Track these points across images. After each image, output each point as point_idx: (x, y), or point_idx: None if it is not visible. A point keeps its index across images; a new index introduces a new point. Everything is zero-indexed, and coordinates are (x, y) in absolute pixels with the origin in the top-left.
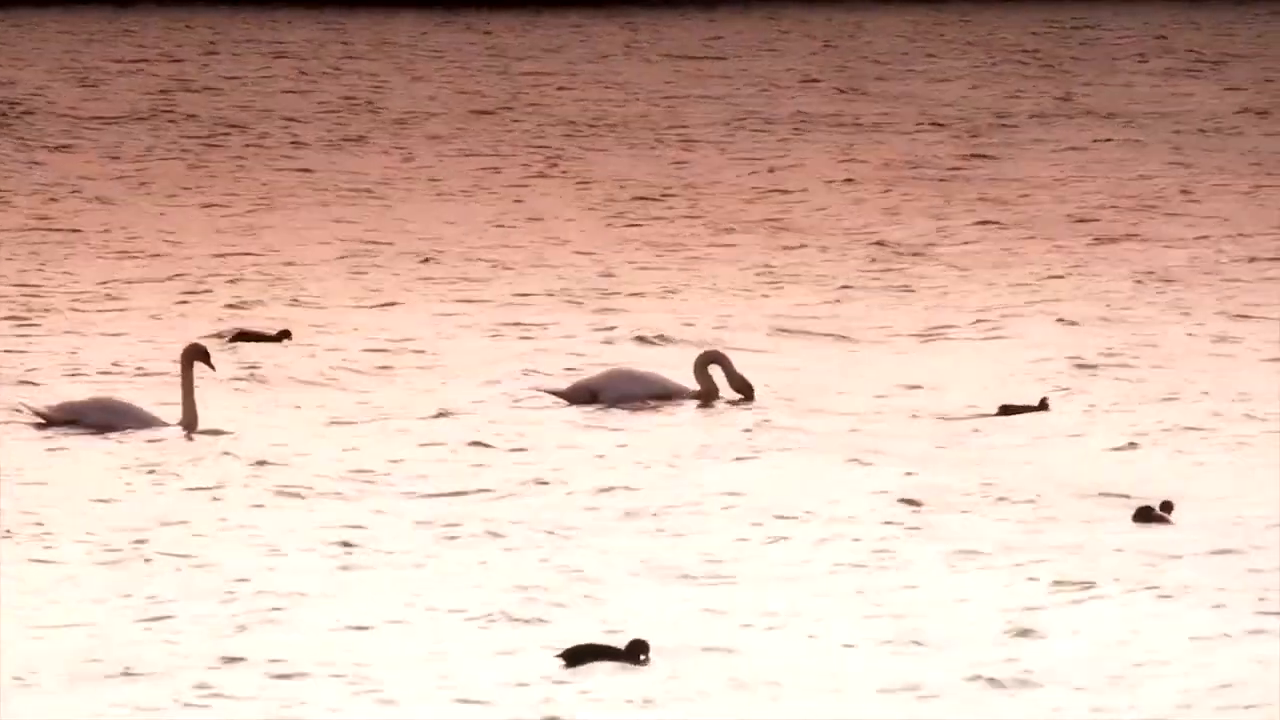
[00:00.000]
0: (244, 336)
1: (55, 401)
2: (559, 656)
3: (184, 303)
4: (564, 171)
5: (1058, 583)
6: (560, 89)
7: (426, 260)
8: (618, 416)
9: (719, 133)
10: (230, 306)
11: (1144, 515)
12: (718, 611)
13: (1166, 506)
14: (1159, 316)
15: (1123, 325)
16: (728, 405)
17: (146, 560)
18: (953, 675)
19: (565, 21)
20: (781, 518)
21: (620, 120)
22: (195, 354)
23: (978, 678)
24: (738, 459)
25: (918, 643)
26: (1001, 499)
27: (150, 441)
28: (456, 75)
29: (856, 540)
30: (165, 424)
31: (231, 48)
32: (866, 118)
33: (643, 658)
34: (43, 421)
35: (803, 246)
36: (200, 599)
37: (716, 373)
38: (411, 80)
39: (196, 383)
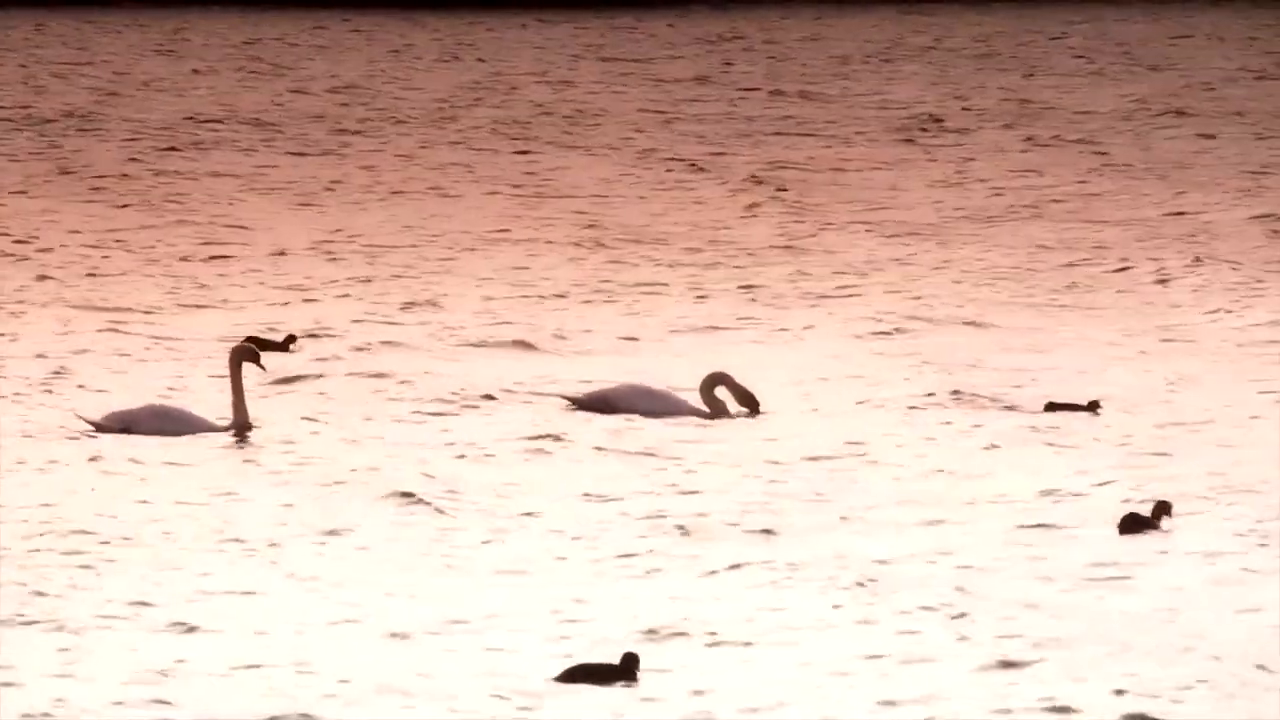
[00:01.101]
0: (253, 343)
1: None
2: (555, 679)
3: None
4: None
5: None
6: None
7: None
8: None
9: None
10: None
11: (1131, 524)
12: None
13: (1163, 508)
14: None
15: None
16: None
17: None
18: None
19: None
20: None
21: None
22: (244, 355)
23: None
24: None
25: None
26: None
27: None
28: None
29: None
30: (217, 428)
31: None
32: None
33: (636, 673)
34: (95, 432)
35: None
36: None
37: (723, 393)
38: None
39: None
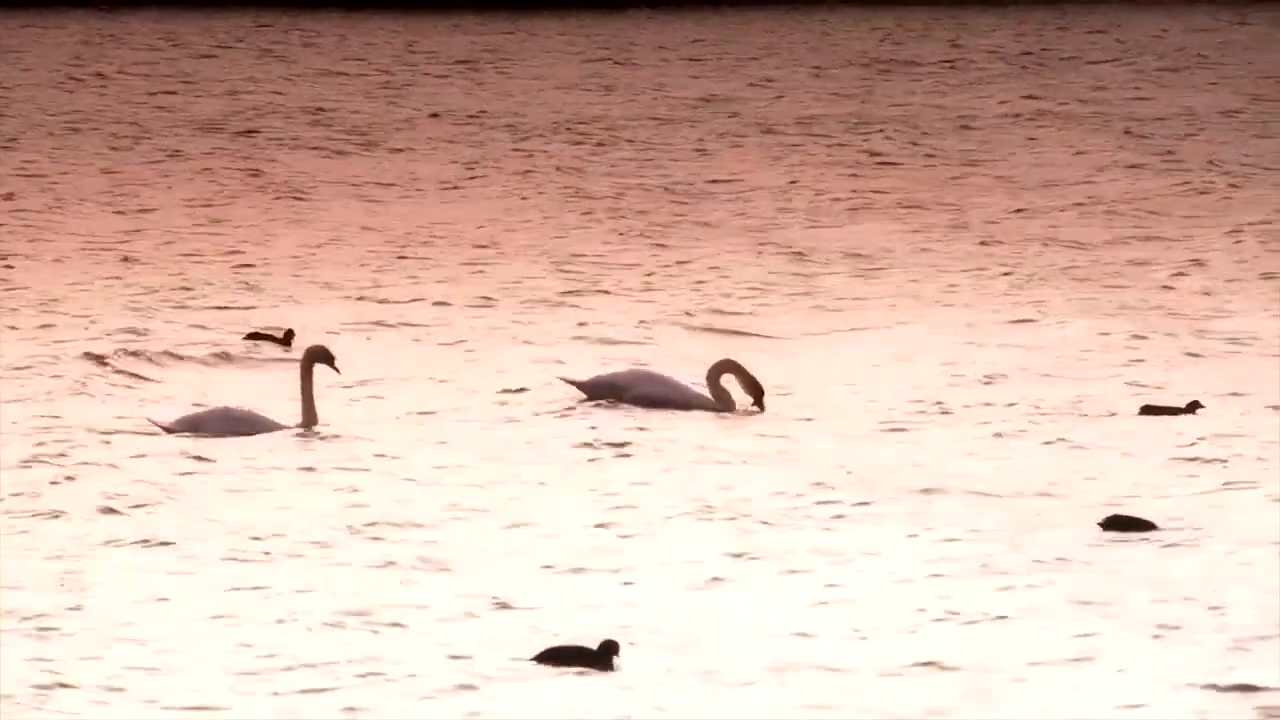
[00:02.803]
0: (255, 338)
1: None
2: (534, 659)
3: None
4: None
5: None
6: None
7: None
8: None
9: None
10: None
11: (1116, 523)
12: None
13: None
14: None
15: None
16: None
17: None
18: None
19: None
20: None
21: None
22: (317, 355)
23: None
24: None
25: None
26: None
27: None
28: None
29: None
30: (285, 427)
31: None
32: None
33: (615, 660)
34: (164, 434)
35: None
36: None
37: (730, 381)
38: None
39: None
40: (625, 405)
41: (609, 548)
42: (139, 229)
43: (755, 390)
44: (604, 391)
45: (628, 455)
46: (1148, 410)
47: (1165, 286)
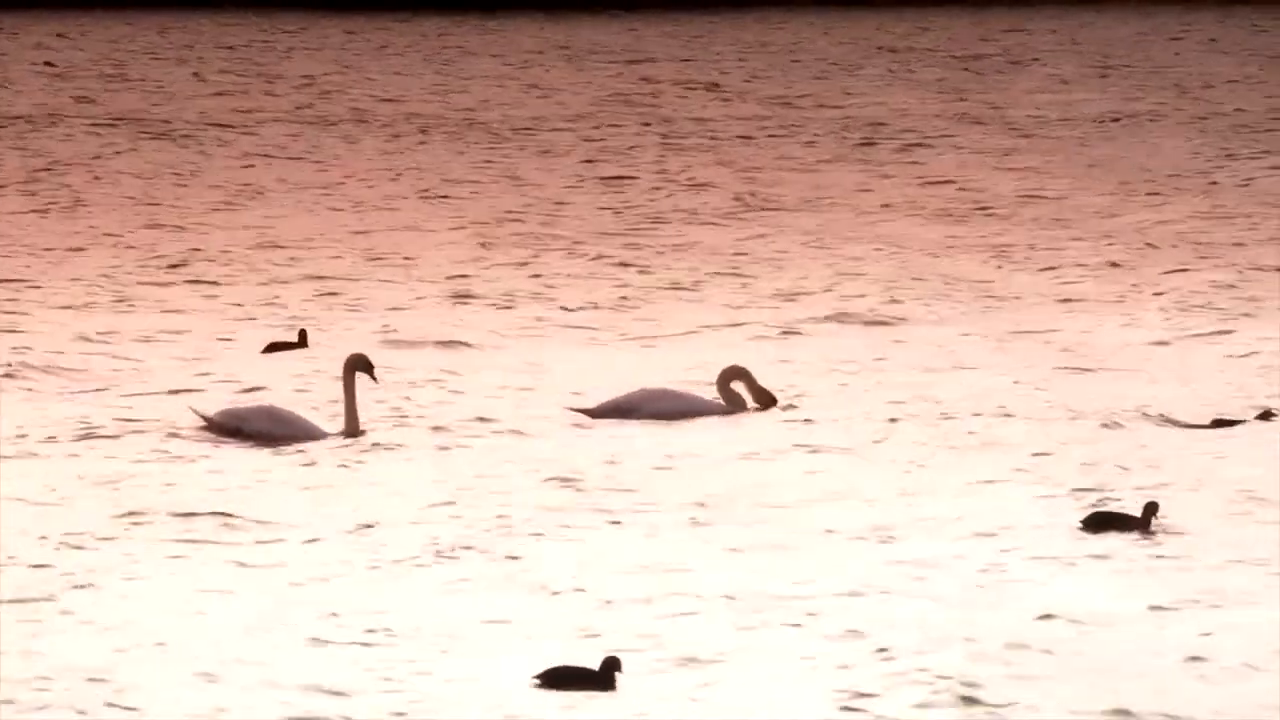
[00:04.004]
0: (274, 348)
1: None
2: (536, 678)
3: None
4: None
5: None
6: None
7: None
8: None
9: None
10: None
11: (1099, 521)
12: None
13: (1151, 508)
14: None
15: None
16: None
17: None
18: None
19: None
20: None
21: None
22: (358, 364)
23: None
24: None
25: None
26: None
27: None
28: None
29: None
30: (327, 434)
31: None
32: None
33: (617, 676)
34: (207, 427)
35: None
36: None
37: (740, 388)
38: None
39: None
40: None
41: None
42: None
43: (765, 398)
44: (613, 414)
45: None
46: (1219, 424)
47: None
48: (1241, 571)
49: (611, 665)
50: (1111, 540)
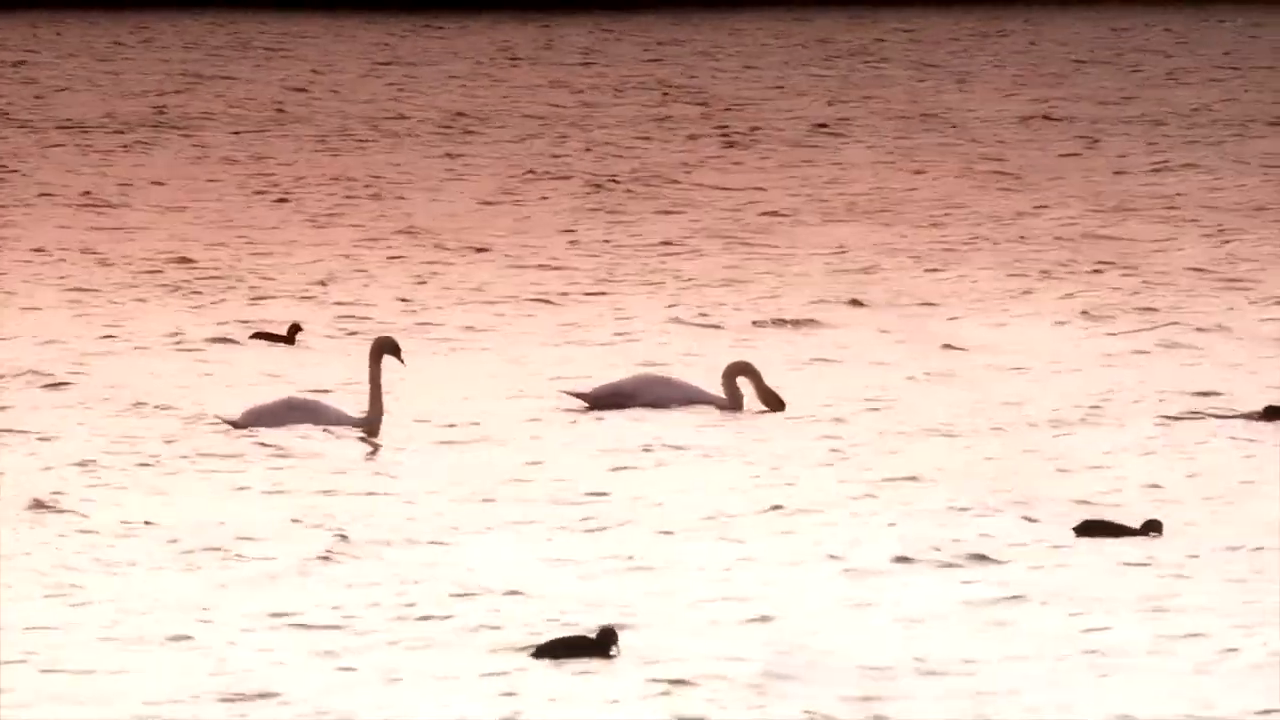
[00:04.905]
0: (260, 337)
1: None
2: (532, 654)
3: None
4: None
5: None
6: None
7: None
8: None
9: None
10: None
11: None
12: None
13: (1153, 526)
14: None
15: None
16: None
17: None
18: None
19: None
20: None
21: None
22: (385, 347)
23: None
24: None
25: None
26: None
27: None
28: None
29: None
30: (353, 419)
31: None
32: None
33: (613, 649)
34: (230, 429)
35: None
36: None
37: (744, 385)
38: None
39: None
40: (637, 409)
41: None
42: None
43: (772, 400)
44: (610, 400)
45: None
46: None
47: None
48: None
49: (608, 636)
50: None
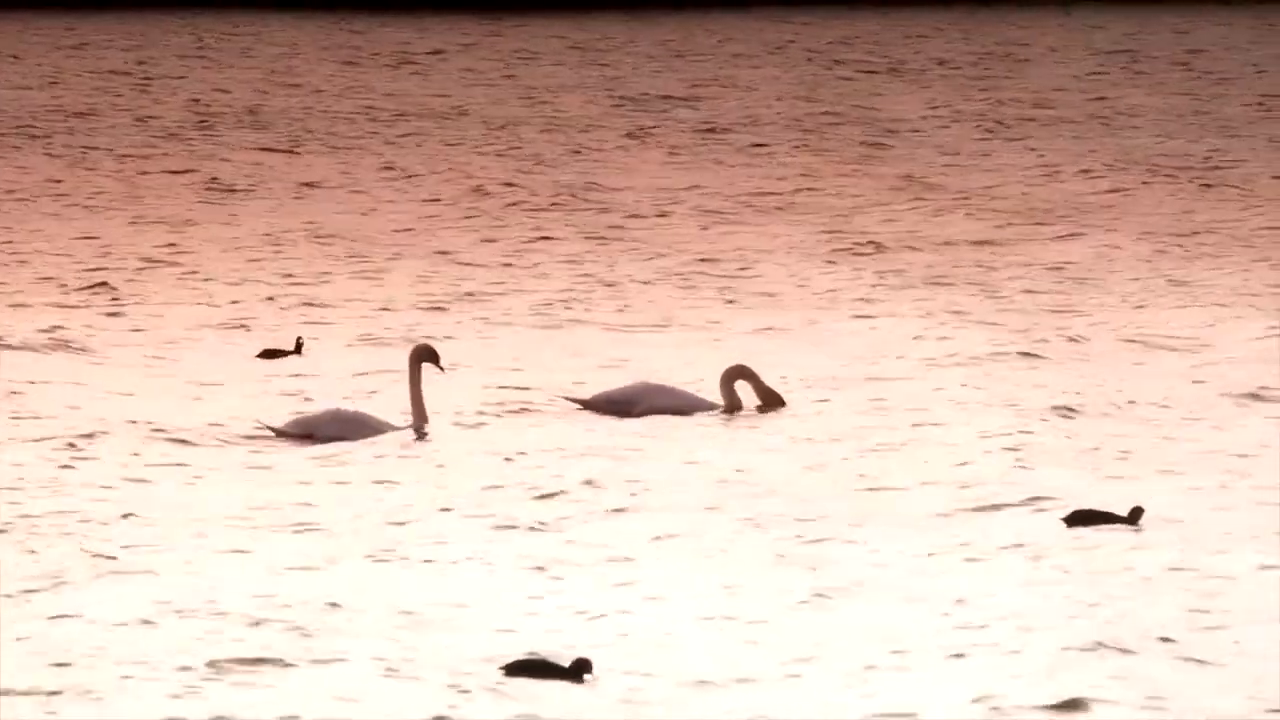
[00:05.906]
0: (267, 355)
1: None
2: (501, 668)
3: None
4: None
5: None
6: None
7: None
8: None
9: None
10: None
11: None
12: None
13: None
14: None
15: None
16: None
17: None
18: None
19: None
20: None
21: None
22: (424, 354)
23: None
24: None
25: None
26: None
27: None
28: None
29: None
30: (398, 429)
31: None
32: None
33: (585, 676)
34: (277, 438)
35: None
36: None
37: (743, 387)
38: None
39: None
40: (636, 418)
41: None
42: None
43: (770, 399)
44: (609, 408)
45: None
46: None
47: None
48: None
49: (582, 666)
50: None
